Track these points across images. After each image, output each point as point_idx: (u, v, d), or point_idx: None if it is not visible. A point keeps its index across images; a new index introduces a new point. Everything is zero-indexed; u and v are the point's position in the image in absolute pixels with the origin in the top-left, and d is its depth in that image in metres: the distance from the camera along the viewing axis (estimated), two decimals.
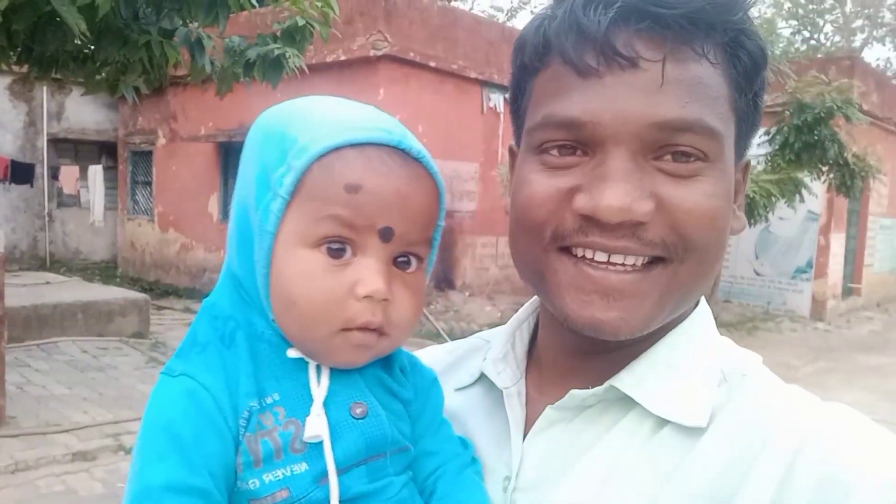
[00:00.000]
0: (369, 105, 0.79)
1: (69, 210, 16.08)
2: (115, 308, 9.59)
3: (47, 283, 10.67)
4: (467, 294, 11.75)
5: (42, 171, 15.33)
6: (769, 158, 11.77)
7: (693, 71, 0.69)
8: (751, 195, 10.25)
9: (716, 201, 0.71)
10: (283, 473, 0.71)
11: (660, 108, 0.68)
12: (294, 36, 6.28)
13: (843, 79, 11.81)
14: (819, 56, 19.19)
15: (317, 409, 0.72)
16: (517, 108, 0.82)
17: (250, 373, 0.73)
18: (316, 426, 0.71)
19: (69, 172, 15.65)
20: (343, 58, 11.00)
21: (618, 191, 0.68)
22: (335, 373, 0.76)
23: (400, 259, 0.75)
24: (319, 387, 0.74)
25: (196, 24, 5.97)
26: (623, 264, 0.71)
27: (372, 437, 0.74)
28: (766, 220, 11.66)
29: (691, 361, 0.78)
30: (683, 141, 0.69)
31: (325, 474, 0.71)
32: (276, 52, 6.10)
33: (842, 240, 14.59)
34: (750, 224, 11.39)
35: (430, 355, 1.02)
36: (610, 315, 0.71)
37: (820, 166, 11.40)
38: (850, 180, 11.58)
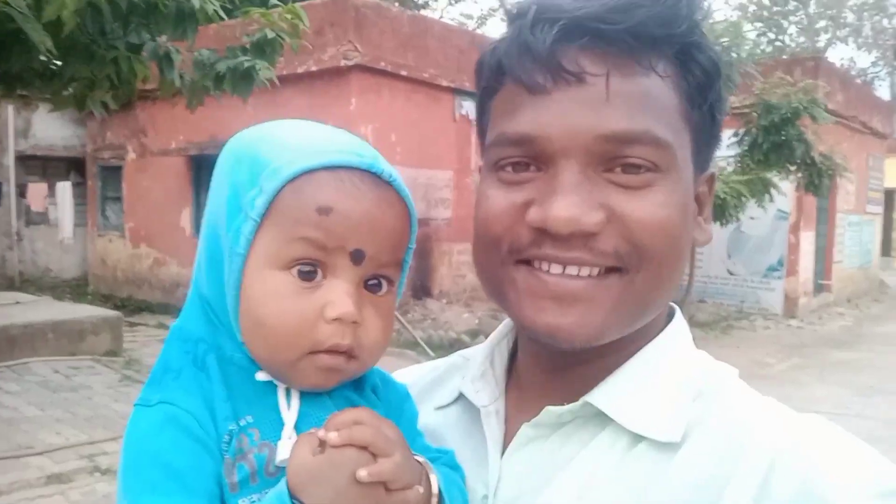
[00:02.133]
0: (341, 129, 0.81)
1: (38, 228, 15.80)
2: (86, 326, 9.43)
3: (17, 302, 10.46)
4: (444, 301, 11.74)
5: (9, 190, 15.06)
6: (738, 159, 11.94)
7: (640, 84, 0.71)
8: (721, 196, 10.39)
9: (668, 211, 0.72)
10: (258, 497, 0.70)
11: (607, 120, 0.70)
12: (264, 48, 6.26)
13: (809, 79, 12.05)
14: (784, 57, 19.52)
15: (288, 433, 0.72)
16: (481, 128, 0.84)
17: (224, 396, 0.73)
18: (288, 451, 0.71)
19: (37, 190, 15.39)
20: (314, 69, 10.96)
21: (567, 202, 0.70)
22: (305, 395, 0.76)
23: (370, 282, 0.76)
24: (290, 410, 0.74)
25: (164, 38, 5.92)
26: (578, 275, 0.73)
27: None
28: (738, 220, 11.82)
29: (666, 376, 0.79)
30: (632, 153, 0.71)
31: None
32: (246, 64, 6.07)
33: (811, 237, 14.82)
34: (721, 224, 11.54)
35: (411, 374, 1.03)
36: (565, 320, 0.72)
37: (788, 166, 11.61)
38: (817, 179, 11.79)
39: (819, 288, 15.59)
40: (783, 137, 11.02)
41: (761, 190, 11.37)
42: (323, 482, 0.66)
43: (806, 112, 10.99)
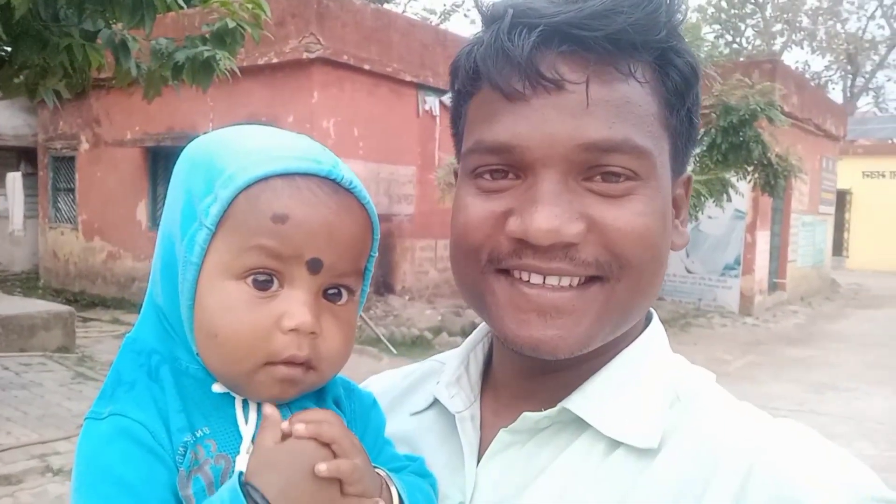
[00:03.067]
0: (301, 135, 0.79)
1: None
2: (37, 321, 9.17)
3: None
4: (407, 298, 11.70)
5: None
6: (697, 159, 12.11)
7: (620, 91, 0.70)
8: None
9: (648, 219, 0.71)
10: None
11: (586, 129, 0.69)
12: (224, 38, 6.13)
13: (766, 81, 12.25)
14: (742, 59, 19.87)
15: (246, 447, 0.71)
16: (456, 132, 0.82)
17: (179, 408, 0.71)
18: (246, 465, 0.69)
19: None
20: (275, 60, 10.81)
21: (547, 213, 0.69)
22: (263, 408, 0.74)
23: (330, 291, 0.74)
24: (248, 424, 0.73)
25: (120, 26, 5.77)
26: (559, 286, 0.72)
27: None
28: (696, 219, 12.00)
29: (643, 381, 0.79)
30: (612, 161, 0.70)
31: None
32: (206, 54, 5.95)
33: (766, 237, 15.15)
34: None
35: (387, 379, 1.02)
36: (548, 333, 0.72)
37: (745, 166, 11.80)
38: (773, 179, 12.01)
39: (774, 286, 15.95)
40: (741, 138, 11.20)
41: (720, 190, 11.54)
42: (281, 469, 0.66)
43: (763, 114, 11.18)
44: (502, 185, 0.73)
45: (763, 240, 14.91)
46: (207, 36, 6.16)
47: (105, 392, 0.73)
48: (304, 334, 0.71)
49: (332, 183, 0.73)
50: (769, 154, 11.66)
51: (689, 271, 14.92)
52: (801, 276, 17.45)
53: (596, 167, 0.70)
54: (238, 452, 0.71)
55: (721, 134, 11.33)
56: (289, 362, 0.71)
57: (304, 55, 10.57)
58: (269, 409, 0.71)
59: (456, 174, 0.85)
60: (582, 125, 0.69)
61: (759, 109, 11.13)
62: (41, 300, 11.04)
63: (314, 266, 0.71)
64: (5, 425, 6.35)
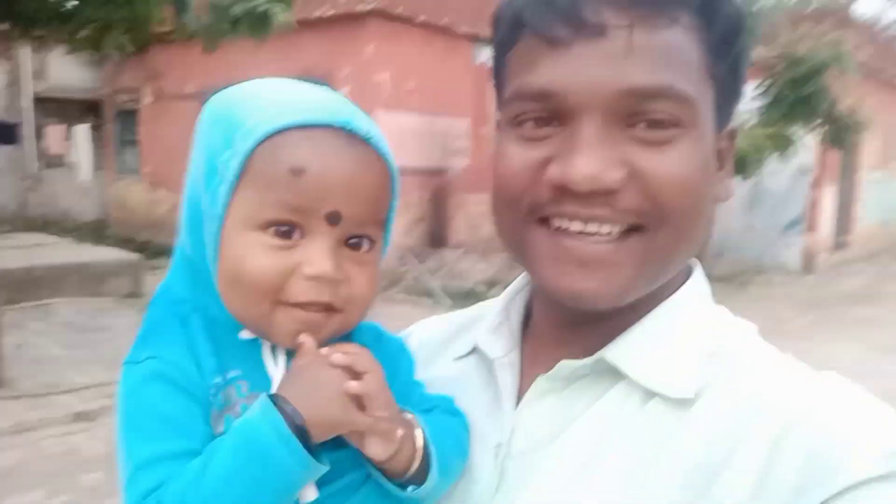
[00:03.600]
0: (321, 86, 0.79)
1: (57, 171, 15.94)
2: (108, 269, 9.60)
3: (39, 244, 10.64)
4: (461, 251, 11.78)
5: (27, 132, 15.14)
6: (762, 112, 11.73)
7: (664, 37, 0.68)
8: (743, 149, 10.24)
9: (690, 167, 0.70)
10: None
11: (629, 75, 0.68)
12: None
13: (836, 31, 11.70)
14: (812, 8, 19.00)
15: (276, 389, 0.73)
16: (498, 81, 0.81)
17: (210, 352, 0.74)
18: None
19: (55, 132, 15.47)
20: (331, 13, 10.81)
21: (587, 160, 0.68)
22: (291, 353, 0.76)
23: (351, 240, 0.76)
24: (277, 366, 0.76)
25: None
26: (598, 233, 0.71)
27: None
28: (758, 174, 11.67)
29: (682, 333, 0.78)
30: (655, 107, 0.69)
31: None
32: (263, 7, 6.01)
33: (833, 193, 14.64)
34: (742, 178, 11.41)
35: (431, 326, 1.04)
36: (588, 285, 0.72)
37: (812, 120, 11.37)
38: (841, 134, 11.56)
39: (839, 244, 15.46)
40: (808, 91, 10.79)
41: (784, 144, 11.19)
42: (313, 386, 0.70)
43: (832, 65, 10.72)
44: (543, 133, 0.73)
45: (829, 196, 14.43)
46: None
47: (140, 339, 0.77)
48: (325, 282, 0.73)
49: (350, 134, 0.74)
50: (837, 107, 11.21)
51: (749, 227, 14.58)
52: (868, 234, 16.85)
53: (638, 114, 0.69)
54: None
55: (787, 86, 10.92)
56: (307, 306, 0.73)
57: (359, 7, 10.54)
58: (304, 338, 0.74)
59: (497, 125, 0.85)
60: (624, 70, 0.68)
61: (828, 61, 10.67)
62: (111, 248, 11.47)
63: (333, 218, 0.73)
64: (81, 366, 6.71)
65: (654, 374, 0.75)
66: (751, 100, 11.95)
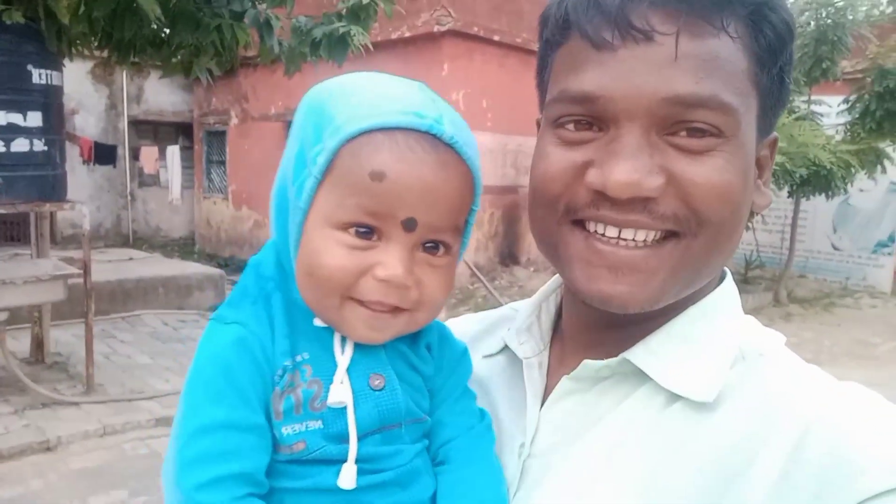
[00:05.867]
0: (417, 82, 0.80)
1: (149, 189, 16.72)
2: (193, 282, 10.03)
3: (130, 259, 11.22)
4: (532, 269, 11.75)
5: (123, 152, 15.97)
6: (848, 127, 11.30)
7: (710, 45, 0.68)
8: (828, 166, 9.89)
9: (729, 176, 0.70)
10: (300, 428, 0.75)
11: (673, 82, 0.67)
12: (359, 14, 6.38)
13: None
14: None
15: (340, 377, 0.76)
16: (541, 81, 0.83)
17: (285, 333, 0.77)
18: (340, 393, 0.75)
19: (149, 153, 16.22)
20: (408, 34, 11.06)
21: (627, 166, 0.68)
22: (360, 344, 0.78)
23: (427, 244, 0.76)
24: (343, 355, 0.77)
25: (264, 6, 6.13)
26: (634, 240, 0.72)
27: (386, 409, 0.78)
28: (845, 191, 11.22)
29: (707, 338, 0.78)
30: (697, 116, 0.68)
31: (340, 435, 0.75)
32: (342, 30, 6.20)
33: None
34: (828, 197, 10.99)
35: (462, 324, 1.05)
36: (618, 289, 0.72)
37: None
38: None
39: None
40: None
41: (873, 160, 10.73)
42: None
43: None
44: (584, 137, 0.73)
45: None
46: (343, 12, 6.43)
47: (232, 300, 0.80)
48: (394, 286, 0.73)
49: (433, 138, 0.73)
50: None
51: (835, 248, 13.96)
52: None
53: (680, 122, 0.69)
54: (331, 381, 0.76)
55: (876, 100, 10.51)
56: (374, 306, 0.75)
57: (436, 28, 10.73)
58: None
59: (538, 125, 0.84)
60: (669, 78, 0.67)
61: None
62: (196, 263, 12.02)
63: (409, 225, 0.73)
64: (164, 374, 7.04)
65: (678, 376, 0.75)
66: (837, 115, 11.53)
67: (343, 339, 0.78)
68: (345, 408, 0.75)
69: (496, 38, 11.26)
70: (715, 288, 0.82)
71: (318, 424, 0.75)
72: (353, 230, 0.73)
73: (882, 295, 13.25)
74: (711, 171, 0.70)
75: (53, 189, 6.11)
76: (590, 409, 0.79)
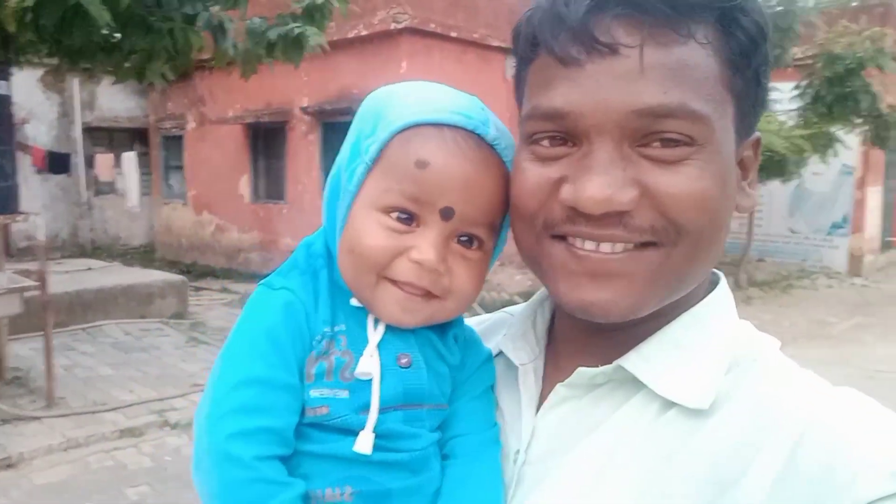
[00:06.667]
0: (470, 95, 0.85)
1: (106, 197, 16.42)
2: (154, 290, 9.86)
3: (89, 269, 10.98)
4: (497, 263, 11.78)
5: (78, 160, 15.66)
6: (800, 113, 11.56)
7: (677, 54, 0.68)
8: (782, 151, 10.10)
9: (704, 184, 0.70)
10: (327, 393, 0.79)
11: (641, 95, 0.67)
12: (313, 14, 6.35)
13: (876, 27, 11.50)
14: (853, 4, 18.65)
15: (370, 350, 0.80)
16: (518, 97, 0.83)
17: (328, 303, 0.83)
18: (368, 364, 0.79)
19: (104, 160, 15.93)
20: (364, 33, 11.02)
21: (599, 182, 0.68)
22: (391, 326, 0.83)
23: (462, 237, 0.81)
24: (375, 332, 0.82)
25: (217, 8, 6.05)
26: (613, 252, 0.72)
27: (410, 387, 0.81)
28: (799, 176, 11.49)
29: (702, 344, 0.78)
30: (667, 127, 0.68)
31: (364, 406, 0.78)
32: (297, 31, 6.16)
33: (878, 193, 14.31)
34: (783, 181, 11.24)
35: None
36: (599, 296, 0.72)
37: (853, 119, 11.18)
38: (885, 132, 11.33)
39: (886, 245, 15.07)
40: (848, 89, 10.61)
41: (825, 144, 11.01)
42: None
43: (872, 62, 10.53)
44: (558, 153, 0.73)
45: (874, 196, 14.10)
46: (298, 13, 6.39)
47: (282, 271, 0.86)
48: (426, 269, 0.79)
49: (478, 137, 0.79)
50: (879, 104, 10.99)
51: (792, 231, 14.32)
52: None
53: (651, 133, 0.69)
54: (361, 354, 0.80)
55: (826, 85, 10.77)
56: (407, 287, 0.80)
57: (392, 26, 10.71)
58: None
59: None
60: (636, 91, 0.67)
61: (867, 57, 10.49)
62: (157, 271, 11.75)
63: (446, 213, 0.78)
64: (128, 384, 6.93)
65: (672, 383, 0.75)
66: (789, 101, 11.79)
67: (376, 320, 0.83)
68: (370, 381, 0.79)
69: (453, 34, 11.27)
70: (709, 293, 0.83)
71: (345, 394, 0.79)
72: (394, 215, 0.79)
73: (837, 275, 13.63)
74: (686, 180, 0.69)
75: (6, 201, 6.00)
76: (584, 416, 0.79)
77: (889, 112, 11.18)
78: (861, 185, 13.73)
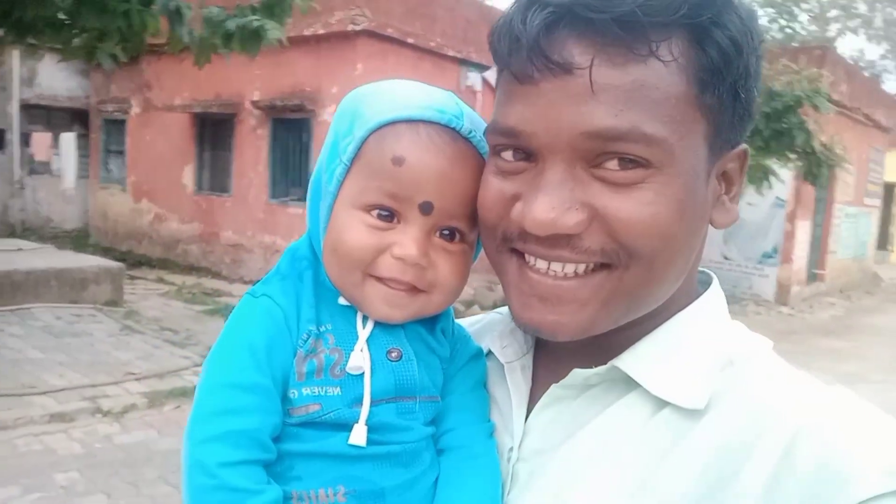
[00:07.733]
0: (444, 90, 0.86)
1: (41, 177, 15.89)
2: (88, 276, 9.57)
3: (19, 249, 10.59)
4: None
5: (12, 138, 15.11)
6: None
7: (633, 73, 0.66)
8: None
9: (657, 209, 0.68)
10: (318, 391, 0.80)
11: (591, 116, 0.66)
12: (273, 8, 6.32)
13: (814, 68, 12.04)
14: (793, 44, 19.45)
15: (360, 346, 0.82)
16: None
17: (312, 304, 0.84)
18: (358, 359, 0.81)
19: (41, 139, 15.45)
20: (321, 31, 10.98)
21: (544, 205, 0.68)
22: (380, 322, 0.85)
23: (444, 231, 0.83)
24: (364, 329, 0.84)
25: None
26: (564, 273, 0.72)
27: (401, 379, 0.83)
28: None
29: (695, 344, 0.78)
30: (619, 149, 0.67)
31: (356, 399, 0.80)
32: (256, 23, 6.12)
33: (807, 227, 14.95)
34: None
35: None
36: (548, 319, 0.73)
37: (788, 154, 11.65)
38: (816, 169, 11.83)
39: (812, 277, 15.75)
40: (784, 125, 11.06)
41: (761, 176, 11.43)
42: None
43: (808, 101, 11.02)
44: (518, 167, 0.73)
45: (803, 229, 14.72)
46: (257, 6, 6.35)
47: (266, 279, 0.87)
48: (409, 264, 0.80)
49: (452, 131, 0.80)
50: (813, 142, 11.49)
51: (725, 257, 14.82)
52: (841, 267, 17.18)
53: (604, 154, 0.68)
54: (352, 349, 0.82)
55: (764, 119, 11.19)
56: (391, 283, 0.81)
57: (350, 27, 10.71)
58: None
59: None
60: (587, 112, 0.66)
61: (804, 96, 10.97)
62: (92, 256, 11.39)
63: (425, 208, 0.79)
64: (58, 369, 6.72)
65: (666, 383, 0.75)
66: None
67: (364, 318, 0.85)
68: (362, 375, 0.81)
69: (410, 40, 11.34)
70: (702, 294, 0.83)
71: (336, 391, 0.80)
72: (375, 212, 0.81)
73: (766, 303, 14.16)
74: (636, 205, 0.68)
75: None
76: (577, 415, 0.79)
77: (822, 150, 11.71)
78: (792, 217, 14.32)
